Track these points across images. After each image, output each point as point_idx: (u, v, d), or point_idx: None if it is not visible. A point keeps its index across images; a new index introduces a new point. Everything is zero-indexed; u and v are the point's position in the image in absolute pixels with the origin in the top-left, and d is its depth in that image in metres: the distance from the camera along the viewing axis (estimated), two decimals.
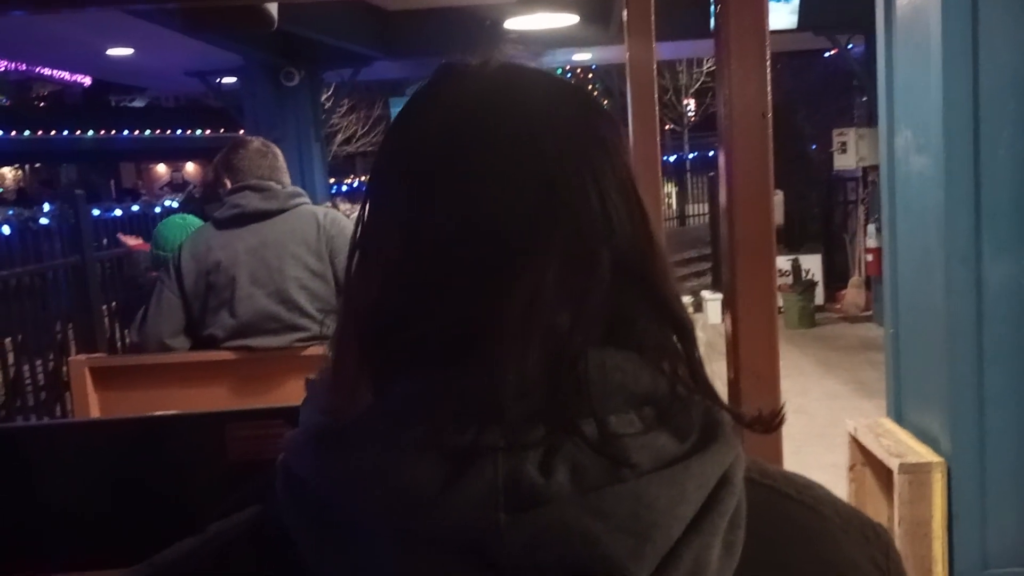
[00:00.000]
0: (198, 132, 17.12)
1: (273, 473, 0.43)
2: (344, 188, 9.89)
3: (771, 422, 0.46)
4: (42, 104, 23.63)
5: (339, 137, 12.88)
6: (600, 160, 0.44)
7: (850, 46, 6.81)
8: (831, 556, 0.44)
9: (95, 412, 2.35)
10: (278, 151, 2.42)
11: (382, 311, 0.43)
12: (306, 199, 2.41)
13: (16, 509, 1.51)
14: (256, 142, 2.42)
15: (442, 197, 0.43)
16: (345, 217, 2.45)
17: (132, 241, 3.54)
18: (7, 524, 1.50)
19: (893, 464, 3.07)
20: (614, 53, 5.08)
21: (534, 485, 0.37)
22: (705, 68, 12.58)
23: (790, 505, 0.45)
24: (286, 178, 2.40)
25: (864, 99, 7.38)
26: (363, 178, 11.21)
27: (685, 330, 0.44)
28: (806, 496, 0.46)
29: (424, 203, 0.43)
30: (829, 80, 8.83)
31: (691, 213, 13.87)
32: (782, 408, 0.47)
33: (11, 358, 4.19)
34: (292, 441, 0.42)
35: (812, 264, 7.62)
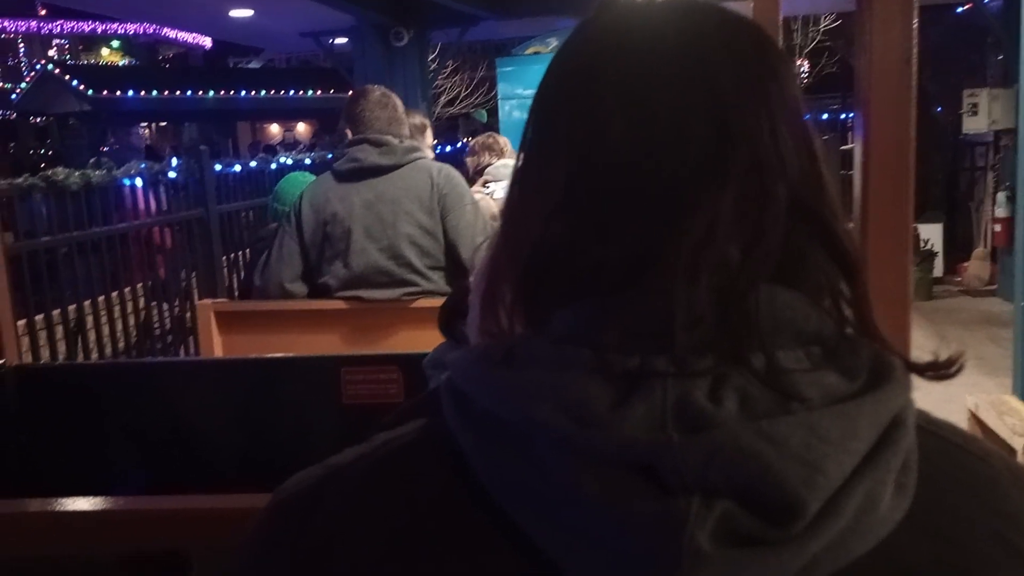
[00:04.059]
0: (309, 93, 17.57)
1: (431, 393, 0.45)
2: (448, 149, 9.94)
3: (948, 368, 0.44)
4: (167, 66, 24.81)
5: (443, 99, 12.96)
6: (774, 94, 0.43)
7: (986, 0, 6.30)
8: (1001, 506, 0.42)
9: (218, 353, 2.49)
10: (398, 102, 2.44)
11: (545, 243, 0.43)
12: (422, 153, 2.43)
13: (150, 434, 1.64)
14: (377, 92, 2.44)
15: (616, 128, 0.42)
16: (459, 173, 2.47)
17: None
18: (139, 445, 1.63)
19: (1017, 444, 2.90)
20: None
21: (703, 411, 0.37)
22: (822, 26, 11.88)
23: (959, 453, 0.44)
24: (405, 130, 2.42)
25: (1000, 57, 6.82)
26: (466, 139, 11.28)
27: (855, 271, 0.43)
28: (974, 447, 0.45)
29: (597, 134, 0.42)
30: (960, 37, 8.18)
31: None
32: (962, 355, 0.44)
33: (142, 303, 4.49)
34: (458, 361, 0.44)
35: (932, 233, 7.18)
